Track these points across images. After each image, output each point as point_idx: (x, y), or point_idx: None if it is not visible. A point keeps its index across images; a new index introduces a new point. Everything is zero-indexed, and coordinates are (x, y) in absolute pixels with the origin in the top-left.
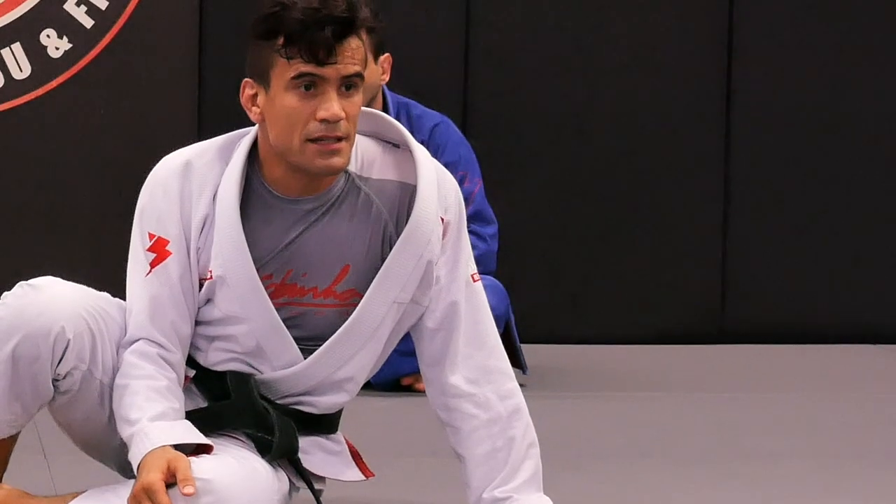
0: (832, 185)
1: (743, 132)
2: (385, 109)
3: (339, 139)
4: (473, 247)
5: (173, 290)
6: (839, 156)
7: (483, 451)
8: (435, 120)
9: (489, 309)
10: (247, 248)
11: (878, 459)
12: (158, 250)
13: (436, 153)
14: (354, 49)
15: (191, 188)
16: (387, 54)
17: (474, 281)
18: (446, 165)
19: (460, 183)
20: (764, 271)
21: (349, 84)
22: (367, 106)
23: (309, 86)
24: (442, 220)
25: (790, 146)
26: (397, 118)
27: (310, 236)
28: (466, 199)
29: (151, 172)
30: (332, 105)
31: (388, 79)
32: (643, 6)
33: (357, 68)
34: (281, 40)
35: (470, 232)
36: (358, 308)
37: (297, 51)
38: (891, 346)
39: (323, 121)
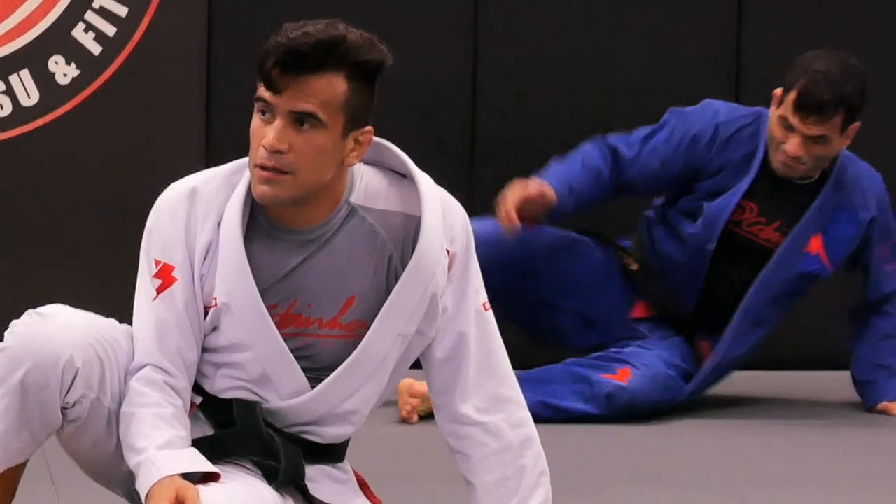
0: None
1: None
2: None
3: (281, 171)
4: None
5: (179, 316)
6: None
7: (493, 479)
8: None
9: (500, 337)
10: (251, 275)
11: (890, 487)
12: (164, 276)
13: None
14: (317, 88)
15: (196, 214)
16: (856, 123)
17: (486, 310)
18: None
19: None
20: None
21: (302, 120)
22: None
23: (264, 111)
24: (448, 251)
25: None
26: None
27: (312, 265)
28: None
29: (159, 198)
30: (270, 133)
31: (849, 142)
32: (652, 31)
33: (308, 107)
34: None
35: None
36: (363, 342)
37: (261, 74)
38: None
39: (264, 147)
